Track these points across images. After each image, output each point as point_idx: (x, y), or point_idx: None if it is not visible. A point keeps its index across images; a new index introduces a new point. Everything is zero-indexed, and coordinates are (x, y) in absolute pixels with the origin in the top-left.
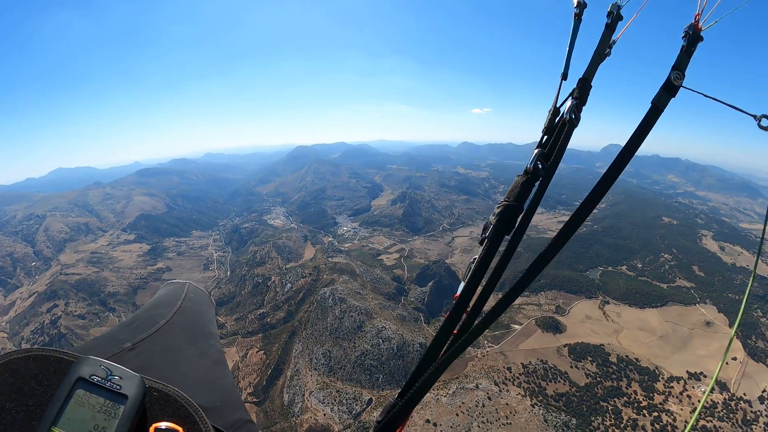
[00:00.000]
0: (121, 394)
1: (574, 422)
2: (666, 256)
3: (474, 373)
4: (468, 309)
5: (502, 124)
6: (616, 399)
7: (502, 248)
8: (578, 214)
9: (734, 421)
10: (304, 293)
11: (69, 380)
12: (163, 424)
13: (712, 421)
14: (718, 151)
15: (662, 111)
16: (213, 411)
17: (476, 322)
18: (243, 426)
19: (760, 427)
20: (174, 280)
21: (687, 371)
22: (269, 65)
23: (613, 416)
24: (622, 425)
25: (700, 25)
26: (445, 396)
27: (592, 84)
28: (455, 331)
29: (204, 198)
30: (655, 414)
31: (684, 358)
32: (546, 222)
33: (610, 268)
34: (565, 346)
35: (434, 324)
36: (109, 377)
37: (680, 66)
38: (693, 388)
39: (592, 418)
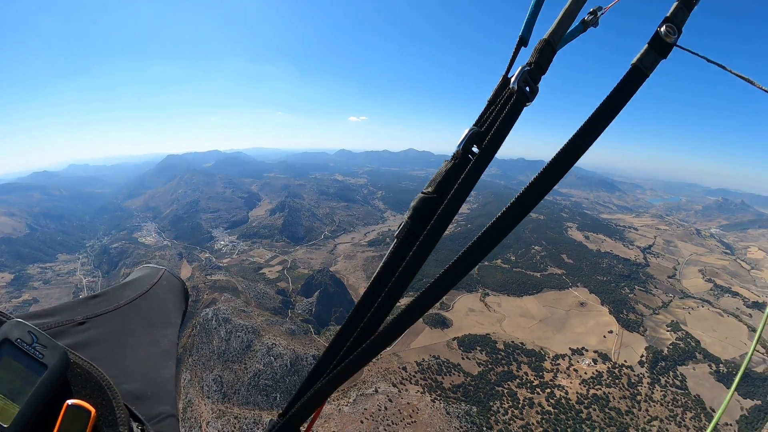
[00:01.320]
0: (41, 363)
1: (475, 410)
2: (536, 248)
3: (371, 377)
4: (368, 315)
5: (378, 132)
6: (509, 382)
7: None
8: (516, 206)
9: (621, 385)
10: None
11: None
12: (76, 402)
13: (601, 389)
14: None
15: (647, 76)
16: (141, 399)
17: (380, 329)
18: (165, 419)
19: (644, 386)
20: (150, 264)
21: (570, 348)
22: (137, 68)
23: (509, 398)
24: (519, 405)
25: None
26: (346, 405)
27: (557, 50)
28: (351, 340)
29: (69, 216)
30: (548, 390)
31: (565, 337)
32: None
33: (486, 263)
34: (454, 339)
35: (325, 334)
36: (34, 344)
37: (675, 19)
38: (578, 362)
39: (491, 403)
